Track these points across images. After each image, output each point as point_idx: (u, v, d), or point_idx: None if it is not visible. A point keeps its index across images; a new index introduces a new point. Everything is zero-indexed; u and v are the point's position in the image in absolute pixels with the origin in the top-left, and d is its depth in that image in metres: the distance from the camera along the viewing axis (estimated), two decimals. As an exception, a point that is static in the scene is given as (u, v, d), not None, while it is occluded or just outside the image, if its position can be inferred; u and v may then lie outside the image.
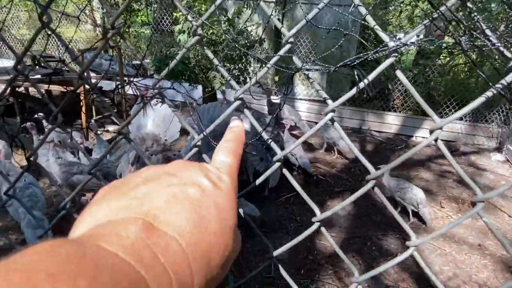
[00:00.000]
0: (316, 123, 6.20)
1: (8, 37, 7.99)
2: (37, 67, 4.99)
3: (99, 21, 8.04)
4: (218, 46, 3.92)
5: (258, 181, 0.45)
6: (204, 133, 0.45)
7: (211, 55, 0.46)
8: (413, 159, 4.30)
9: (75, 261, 0.17)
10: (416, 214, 2.98)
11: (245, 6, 3.91)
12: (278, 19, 5.78)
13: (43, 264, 0.16)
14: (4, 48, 7.99)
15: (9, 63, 6.77)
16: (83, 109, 3.94)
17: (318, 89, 0.34)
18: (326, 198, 3.36)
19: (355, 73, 0.33)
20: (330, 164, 4.06)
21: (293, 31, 0.32)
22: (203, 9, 3.76)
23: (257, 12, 5.62)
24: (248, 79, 4.27)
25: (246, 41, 4.11)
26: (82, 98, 3.94)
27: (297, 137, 4.69)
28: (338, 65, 0.38)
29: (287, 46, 0.32)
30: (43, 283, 0.15)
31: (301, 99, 5.88)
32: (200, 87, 4.60)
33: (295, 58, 0.33)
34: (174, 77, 3.70)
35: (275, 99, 5.01)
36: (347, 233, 2.83)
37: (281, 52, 0.31)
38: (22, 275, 0.15)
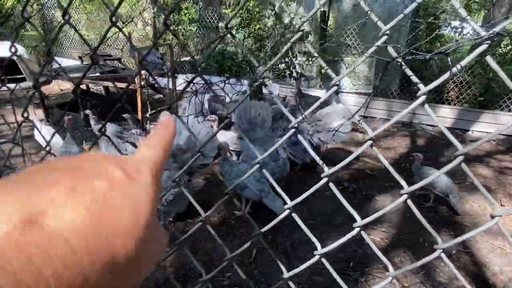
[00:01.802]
0: (364, 116, 5.98)
1: (69, 39, 8.65)
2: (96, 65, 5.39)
3: (149, 21, 8.45)
4: (265, 41, 3.97)
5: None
6: (303, 116, 0.49)
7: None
8: (470, 154, 4.07)
9: None
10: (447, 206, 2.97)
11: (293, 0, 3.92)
12: (324, 11, 5.70)
13: None
14: (67, 48, 8.68)
15: (69, 62, 7.36)
16: (139, 104, 4.21)
17: (411, 75, 0.37)
18: (374, 193, 3.30)
19: (449, 59, 0.36)
20: (377, 158, 3.97)
21: (391, 24, 0.36)
22: (251, 4, 3.83)
23: (302, 5, 5.58)
24: (294, 73, 4.28)
25: (292, 35, 4.11)
26: (138, 93, 4.18)
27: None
28: (434, 53, 0.40)
29: (384, 38, 0.35)
30: None
31: (348, 92, 5.77)
32: (245, 82, 4.69)
33: (390, 49, 0.36)
34: (222, 72, 3.81)
35: (304, 90, 4.88)
36: (398, 229, 2.77)
37: (378, 43, 0.34)
38: None
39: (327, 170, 0.45)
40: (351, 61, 5.82)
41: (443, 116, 5.08)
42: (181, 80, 5.17)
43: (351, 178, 3.54)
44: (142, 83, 4.07)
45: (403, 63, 0.35)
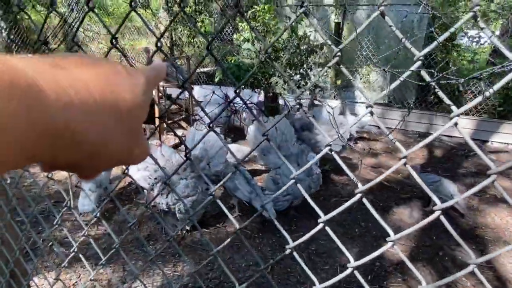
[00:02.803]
0: (378, 127, 6.04)
1: (89, 51, 8.93)
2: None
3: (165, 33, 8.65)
4: (280, 53, 4.02)
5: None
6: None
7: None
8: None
9: None
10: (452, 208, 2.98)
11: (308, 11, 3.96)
12: (338, 22, 5.73)
13: None
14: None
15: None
16: (157, 114, 4.29)
17: (443, 97, 0.38)
18: (392, 204, 3.26)
19: (482, 85, 0.37)
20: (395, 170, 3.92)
21: (425, 51, 0.37)
22: (266, 18, 3.89)
23: (316, 16, 5.63)
24: (309, 84, 4.30)
25: (307, 47, 4.15)
26: (155, 104, 4.26)
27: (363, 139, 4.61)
28: (468, 78, 0.41)
29: (418, 63, 0.37)
30: None
31: (362, 102, 5.75)
32: (262, 93, 4.74)
33: (423, 73, 0.38)
34: (238, 83, 3.86)
35: (320, 102, 4.90)
36: (417, 242, 2.73)
37: (413, 68, 0.36)
38: None
39: (361, 187, 0.46)
40: (366, 72, 5.81)
41: (462, 127, 5.00)
42: (197, 91, 5.26)
43: (369, 189, 3.50)
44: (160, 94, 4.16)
45: (436, 86, 0.37)
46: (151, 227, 2.92)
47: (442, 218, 0.40)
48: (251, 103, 4.42)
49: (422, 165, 3.89)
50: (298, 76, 4.13)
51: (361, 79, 5.84)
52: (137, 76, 0.30)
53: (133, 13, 0.63)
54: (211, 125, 0.62)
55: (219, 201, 0.69)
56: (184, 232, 2.84)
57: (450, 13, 5.97)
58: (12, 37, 7.37)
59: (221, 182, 0.66)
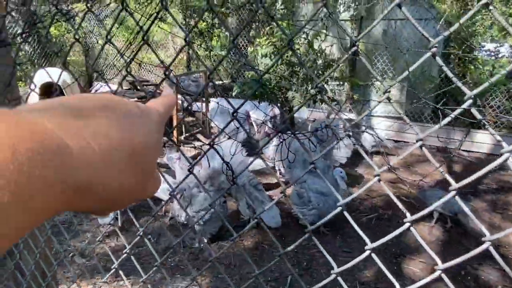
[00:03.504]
0: (395, 141, 5.87)
1: (108, 65, 9.16)
2: (134, 90, 5.68)
3: (180, 46, 8.85)
4: (297, 67, 4.06)
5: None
6: None
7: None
8: (511, 182, 3.90)
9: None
10: (457, 222, 3.05)
11: (325, 27, 4.02)
12: (356, 36, 5.77)
13: None
14: (106, 73, 9.20)
15: (105, 88, 7.77)
16: (175, 127, 4.37)
17: (493, 133, 0.40)
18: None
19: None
20: (411, 184, 3.87)
21: (477, 90, 0.39)
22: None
23: (330, 30, 5.69)
24: (326, 97, 4.32)
25: (324, 61, 4.19)
26: (174, 117, 4.35)
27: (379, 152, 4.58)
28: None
29: (469, 102, 0.38)
30: None
31: (378, 116, 5.73)
32: (275, 108, 4.78)
33: (474, 111, 0.39)
34: (254, 98, 3.92)
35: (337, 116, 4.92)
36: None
37: (464, 106, 0.38)
38: None
39: (409, 217, 0.48)
40: (382, 86, 5.79)
41: (480, 142, 4.92)
42: (213, 104, 5.34)
43: (386, 205, 3.47)
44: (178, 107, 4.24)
45: (486, 122, 0.39)
46: (171, 239, 2.94)
47: (491, 249, 0.41)
48: (271, 118, 4.46)
49: (441, 181, 3.84)
50: (315, 90, 4.15)
51: (377, 92, 5.83)
52: (150, 114, 0.31)
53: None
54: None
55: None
56: (202, 245, 2.85)
57: (467, 28, 5.94)
58: (34, 50, 7.64)
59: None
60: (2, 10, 0.78)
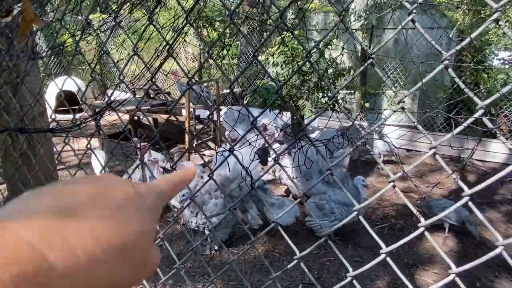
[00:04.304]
0: (407, 150, 5.82)
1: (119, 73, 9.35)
2: (148, 99, 5.78)
3: (192, 55, 8.99)
4: (308, 76, 4.09)
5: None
6: None
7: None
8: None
9: None
10: (465, 232, 3.02)
11: (335, 37, 4.05)
12: (366, 44, 5.78)
13: None
14: (117, 82, 9.37)
15: (117, 95, 7.93)
16: (187, 135, 4.43)
17: (510, 147, 0.41)
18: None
19: None
20: (424, 194, 3.83)
21: (489, 100, 0.41)
22: (296, 42, 4.00)
23: (341, 39, 5.72)
24: (336, 106, 4.33)
25: (335, 70, 4.21)
26: (186, 125, 4.40)
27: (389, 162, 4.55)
28: None
29: (480, 111, 0.40)
30: None
31: (390, 124, 5.70)
32: (284, 115, 4.81)
33: (485, 120, 0.41)
34: (267, 106, 3.94)
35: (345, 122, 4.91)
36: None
37: (476, 114, 0.39)
38: None
39: (423, 221, 0.49)
40: (393, 94, 5.78)
41: (494, 151, 4.85)
42: (224, 112, 5.39)
43: (398, 215, 3.44)
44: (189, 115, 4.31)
45: (498, 131, 0.40)
46: (181, 246, 2.97)
47: (505, 253, 0.43)
48: (281, 129, 4.49)
49: (456, 191, 3.79)
50: (326, 98, 4.17)
51: (388, 101, 5.82)
52: (147, 198, 0.30)
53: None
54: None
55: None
56: (213, 252, 2.87)
57: (481, 36, 5.90)
58: (50, 59, 7.86)
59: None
60: (38, 23, 0.83)
